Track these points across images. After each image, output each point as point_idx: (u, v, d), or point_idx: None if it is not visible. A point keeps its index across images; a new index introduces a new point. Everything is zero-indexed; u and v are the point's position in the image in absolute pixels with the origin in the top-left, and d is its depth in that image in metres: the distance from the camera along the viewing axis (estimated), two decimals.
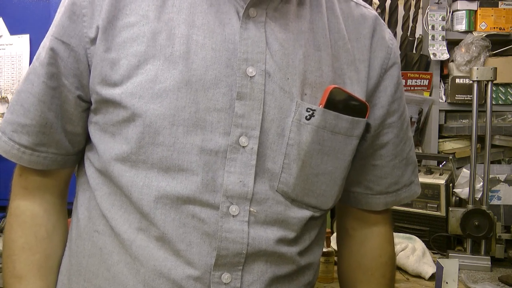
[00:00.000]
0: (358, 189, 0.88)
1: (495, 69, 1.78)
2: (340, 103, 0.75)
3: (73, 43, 0.74)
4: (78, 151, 0.81)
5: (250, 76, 0.71)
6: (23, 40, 1.77)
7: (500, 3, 2.16)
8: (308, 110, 0.73)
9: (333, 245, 1.42)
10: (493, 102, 1.93)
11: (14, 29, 1.76)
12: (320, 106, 0.74)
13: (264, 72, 0.72)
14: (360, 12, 0.83)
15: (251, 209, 0.72)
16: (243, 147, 0.71)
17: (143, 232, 0.72)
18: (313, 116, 0.73)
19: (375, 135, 0.82)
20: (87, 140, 0.80)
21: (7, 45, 1.77)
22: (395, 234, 1.64)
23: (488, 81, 1.78)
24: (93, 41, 0.73)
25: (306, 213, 0.76)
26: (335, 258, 1.33)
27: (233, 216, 0.71)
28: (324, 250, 1.39)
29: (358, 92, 0.78)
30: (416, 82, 2.18)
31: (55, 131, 0.77)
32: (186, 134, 0.70)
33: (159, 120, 0.70)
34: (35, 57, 0.78)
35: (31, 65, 0.78)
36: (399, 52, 2.23)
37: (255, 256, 0.72)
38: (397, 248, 1.55)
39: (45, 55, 0.75)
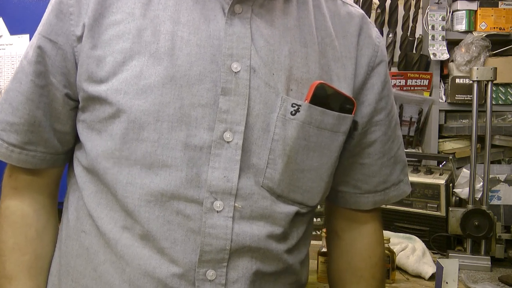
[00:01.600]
0: (346, 188, 0.88)
1: (495, 69, 1.78)
2: (326, 98, 0.74)
3: (60, 41, 0.74)
4: (68, 150, 0.82)
5: (235, 72, 0.71)
6: (23, 40, 1.77)
7: (500, 3, 2.16)
8: (294, 105, 0.73)
9: None
10: (493, 102, 1.93)
11: (14, 29, 1.76)
12: (306, 101, 0.73)
13: (249, 67, 0.72)
14: (347, 10, 0.83)
15: (236, 204, 0.72)
16: (228, 142, 0.71)
17: (128, 231, 0.72)
18: (299, 111, 0.73)
19: (363, 133, 0.82)
20: (76, 139, 0.80)
21: (7, 45, 1.77)
22: (395, 234, 1.66)
23: (488, 81, 1.78)
24: (80, 39, 0.73)
25: (292, 209, 0.76)
26: None
27: (217, 211, 0.71)
28: (324, 250, 1.39)
29: (345, 88, 0.78)
30: (416, 82, 2.18)
31: (43, 130, 0.78)
32: (170, 129, 0.70)
33: (144, 115, 0.70)
34: (23, 56, 0.78)
35: (19, 64, 0.78)
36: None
37: (239, 252, 0.72)
38: (397, 248, 1.55)
39: (32, 53, 0.76)
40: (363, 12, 0.85)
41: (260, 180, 0.73)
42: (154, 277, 0.71)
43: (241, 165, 0.72)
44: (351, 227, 0.91)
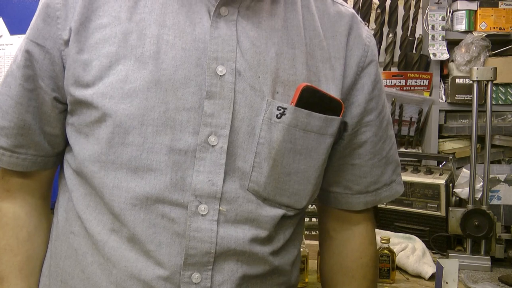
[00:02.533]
0: (337, 189, 0.87)
1: (495, 69, 1.78)
2: (313, 101, 0.74)
3: (48, 45, 0.74)
4: (58, 152, 0.82)
5: (220, 75, 0.71)
6: None
7: (500, 3, 2.16)
8: (279, 108, 0.72)
9: None
10: (493, 102, 1.93)
11: (14, 29, 1.76)
12: (292, 104, 0.73)
13: (235, 70, 0.71)
14: (337, 9, 0.82)
15: (220, 208, 0.72)
16: (212, 146, 0.71)
17: (116, 233, 0.72)
18: (284, 114, 0.72)
19: (353, 133, 0.82)
20: (67, 141, 0.80)
21: (7, 45, 1.77)
22: (395, 234, 1.66)
23: (488, 81, 1.78)
24: (67, 43, 0.73)
25: (279, 212, 0.76)
26: None
27: (202, 215, 0.71)
28: None
29: (333, 90, 0.77)
30: (416, 82, 2.18)
31: (33, 133, 0.78)
32: (155, 133, 0.70)
33: (129, 120, 0.70)
34: (12, 60, 0.78)
35: (8, 68, 0.78)
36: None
37: (225, 256, 0.72)
38: (397, 248, 1.55)
39: (21, 57, 0.76)
40: (353, 11, 0.84)
41: (246, 184, 0.73)
42: (140, 279, 0.71)
43: (226, 168, 0.72)
44: (343, 227, 0.91)
